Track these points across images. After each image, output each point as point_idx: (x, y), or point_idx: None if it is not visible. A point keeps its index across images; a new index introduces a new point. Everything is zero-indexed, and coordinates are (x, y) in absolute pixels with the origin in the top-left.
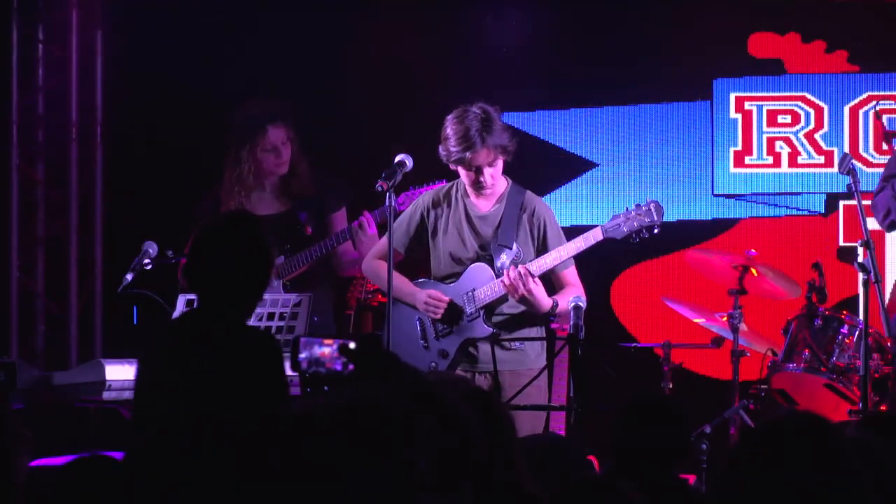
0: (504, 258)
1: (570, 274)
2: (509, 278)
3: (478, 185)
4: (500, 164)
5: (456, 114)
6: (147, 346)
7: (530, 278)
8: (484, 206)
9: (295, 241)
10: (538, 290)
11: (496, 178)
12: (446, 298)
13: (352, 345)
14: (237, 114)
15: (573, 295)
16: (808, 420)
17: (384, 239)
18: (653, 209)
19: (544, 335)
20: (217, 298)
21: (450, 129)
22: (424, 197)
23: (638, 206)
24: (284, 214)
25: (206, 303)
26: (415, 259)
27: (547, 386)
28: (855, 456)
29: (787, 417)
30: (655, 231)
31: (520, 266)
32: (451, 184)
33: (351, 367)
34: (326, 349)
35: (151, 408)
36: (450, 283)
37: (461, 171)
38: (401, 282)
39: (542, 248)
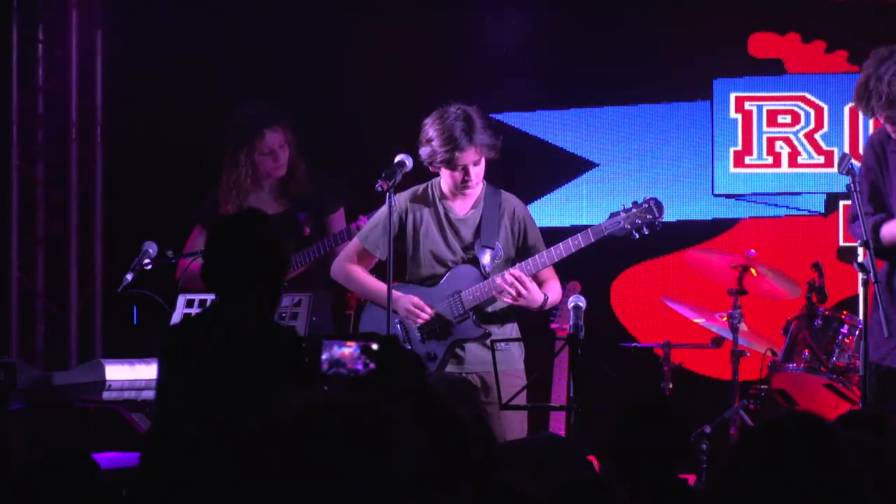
0: (488, 258)
1: (549, 271)
2: (504, 286)
3: (463, 185)
4: (484, 162)
5: (436, 115)
6: (168, 344)
7: (526, 281)
8: (461, 208)
9: (294, 242)
10: (533, 289)
11: (481, 177)
12: (429, 308)
13: (374, 346)
14: (234, 117)
15: (556, 286)
16: (807, 420)
17: (355, 240)
18: (652, 205)
19: (517, 328)
20: (237, 296)
21: (432, 130)
22: (399, 199)
23: (636, 203)
24: (283, 215)
25: (226, 300)
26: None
27: (529, 386)
28: (855, 456)
29: (786, 417)
30: (657, 227)
31: (513, 271)
32: (424, 185)
33: (372, 366)
34: (347, 350)
35: (174, 407)
36: (430, 285)
37: (444, 172)
38: (379, 286)
39: (523, 247)
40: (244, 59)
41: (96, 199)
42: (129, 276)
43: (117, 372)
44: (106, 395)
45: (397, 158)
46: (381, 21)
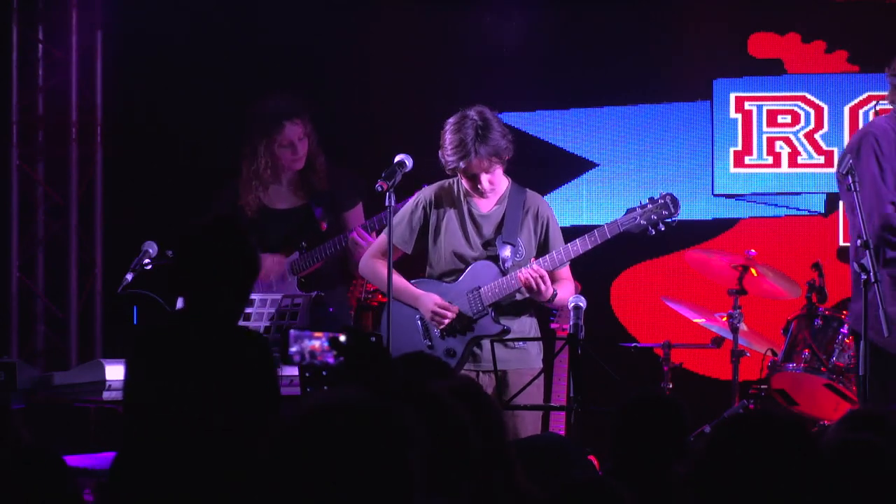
0: (508, 254)
1: (566, 270)
2: (525, 277)
3: (476, 191)
4: (497, 169)
5: (454, 120)
6: (136, 349)
7: (546, 276)
8: (485, 205)
9: (311, 238)
10: (548, 285)
11: (495, 183)
12: (455, 308)
13: (342, 338)
14: (255, 108)
15: (569, 287)
16: (774, 418)
17: (382, 236)
18: (668, 201)
19: (537, 325)
20: (204, 301)
21: (447, 137)
22: (425, 192)
23: (652, 199)
24: (300, 209)
25: (193, 306)
26: (412, 257)
27: (544, 385)
28: (826, 455)
29: (754, 415)
30: (673, 223)
31: (535, 266)
32: (451, 180)
33: (341, 359)
34: (317, 342)
35: (143, 412)
36: (450, 281)
37: (460, 176)
38: (402, 283)
39: (543, 247)
40: (244, 59)
41: (96, 199)
42: (129, 276)
43: (117, 372)
44: (106, 395)
45: (397, 158)
46: (382, 21)
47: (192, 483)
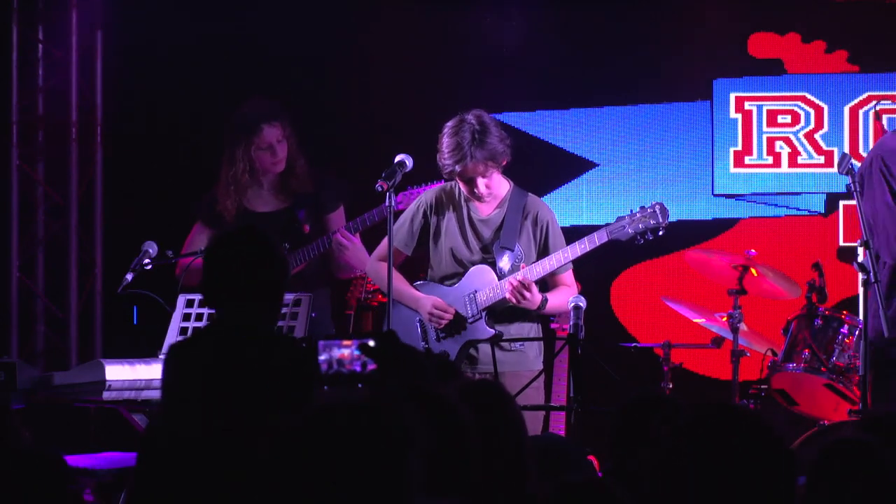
0: (506, 260)
1: (567, 276)
2: (510, 288)
3: (473, 196)
4: (494, 173)
5: (452, 124)
6: (170, 359)
7: (532, 285)
8: (485, 209)
9: (293, 240)
10: (534, 293)
11: (492, 188)
12: (452, 310)
13: (371, 342)
14: (233, 114)
15: (566, 294)
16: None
17: (386, 239)
18: (658, 211)
19: (540, 331)
20: (240, 309)
21: (444, 140)
22: (427, 196)
23: (643, 207)
24: (283, 212)
25: (225, 317)
26: (413, 259)
27: (544, 386)
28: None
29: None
30: (660, 233)
31: (519, 276)
32: (452, 183)
33: (371, 366)
34: (346, 350)
35: (177, 423)
36: (450, 284)
37: (458, 180)
38: (403, 285)
39: (543, 252)
40: (245, 59)
41: (96, 199)
42: (129, 276)
43: (117, 372)
44: (106, 395)
45: (397, 158)
46: (382, 21)
47: (224, 490)
